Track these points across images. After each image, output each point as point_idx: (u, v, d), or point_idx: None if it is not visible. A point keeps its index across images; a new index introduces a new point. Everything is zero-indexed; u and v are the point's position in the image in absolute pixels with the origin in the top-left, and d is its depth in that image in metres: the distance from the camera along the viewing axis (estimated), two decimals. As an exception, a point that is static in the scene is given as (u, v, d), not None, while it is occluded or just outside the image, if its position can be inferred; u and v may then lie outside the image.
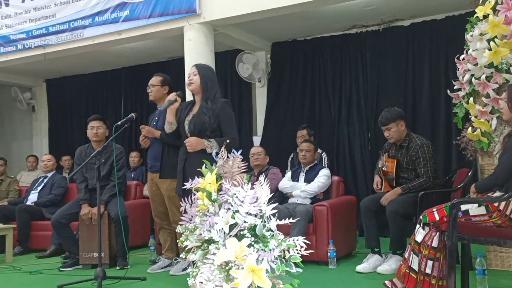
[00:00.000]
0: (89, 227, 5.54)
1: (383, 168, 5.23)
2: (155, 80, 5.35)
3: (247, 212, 2.79)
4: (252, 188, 2.90)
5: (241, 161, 3.14)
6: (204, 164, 3.17)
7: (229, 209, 2.81)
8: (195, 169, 3.41)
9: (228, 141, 4.16)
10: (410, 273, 3.58)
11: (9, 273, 5.54)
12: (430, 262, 3.49)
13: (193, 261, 2.99)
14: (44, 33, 7.81)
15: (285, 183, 5.83)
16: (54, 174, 7.46)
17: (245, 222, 2.76)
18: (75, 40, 7.61)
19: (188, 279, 2.88)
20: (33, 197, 7.24)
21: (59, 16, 7.70)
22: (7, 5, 8.26)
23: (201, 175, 3.11)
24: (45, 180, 7.35)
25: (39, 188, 7.29)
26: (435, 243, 3.49)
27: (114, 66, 10.03)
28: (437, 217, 3.50)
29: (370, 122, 7.68)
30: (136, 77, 9.77)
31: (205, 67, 4.64)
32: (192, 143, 4.31)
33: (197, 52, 6.74)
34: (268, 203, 2.84)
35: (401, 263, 3.73)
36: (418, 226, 3.62)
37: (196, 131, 4.35)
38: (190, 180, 3.15)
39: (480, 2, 4.68)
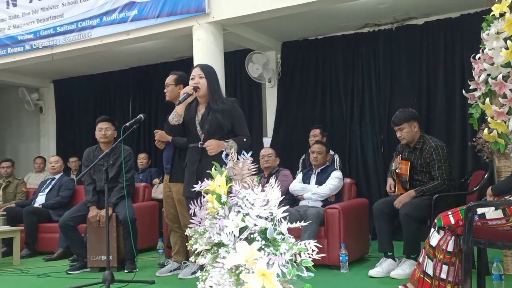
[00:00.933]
0: (97, 229, 5.51)
1: (396, 170, 5.17)
2: (169, 79, 5.25)
3: (258, 215, 2.75)
4: (262, 190, 2.85)
5: (251, 163, 3.08)
6: (214, 166, 3.10)
7: (239, 211, 2.78)
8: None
9: (245, 139, 4.17)
10: (425, 278, 3.50)
11: (17, 276, 5.54)
12: (445, 267, 3.41)
13: (202, 265, 2.95)
14: (52, 33, 7.79)
15: (296, 185, 5.75)
16: (62, 176, 7.46)
17: (255, 225, 2.72)
18: (83, 41, 7.59)
19: (197, 283, 2.86)
20: (40, 199, 7.24)
21: (67, 16, 7.68)
22: (14, 5, 8.25)
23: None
24: (53, 182, 7.34)
25: (46, 190, 7.28)
26: (450, 247, 3.40)
27: (122, 66, 10.01)
28: (452, 221, 3.40)
29: (383, 123, 7.59)
30: (145, 78, 9.81)
31: (209, 69, 4.46)
32: (213, 146, 4.14)
33: (206, 52, 6.68)
34: (278, 205, 2.80)
35: (415, 267, 3.65)
36: (432, 229, 3.53)
37: (212, 131, 4.23)
38: (200, 182, 3.09)
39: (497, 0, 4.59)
